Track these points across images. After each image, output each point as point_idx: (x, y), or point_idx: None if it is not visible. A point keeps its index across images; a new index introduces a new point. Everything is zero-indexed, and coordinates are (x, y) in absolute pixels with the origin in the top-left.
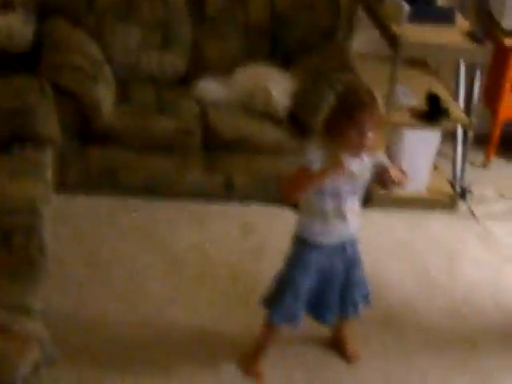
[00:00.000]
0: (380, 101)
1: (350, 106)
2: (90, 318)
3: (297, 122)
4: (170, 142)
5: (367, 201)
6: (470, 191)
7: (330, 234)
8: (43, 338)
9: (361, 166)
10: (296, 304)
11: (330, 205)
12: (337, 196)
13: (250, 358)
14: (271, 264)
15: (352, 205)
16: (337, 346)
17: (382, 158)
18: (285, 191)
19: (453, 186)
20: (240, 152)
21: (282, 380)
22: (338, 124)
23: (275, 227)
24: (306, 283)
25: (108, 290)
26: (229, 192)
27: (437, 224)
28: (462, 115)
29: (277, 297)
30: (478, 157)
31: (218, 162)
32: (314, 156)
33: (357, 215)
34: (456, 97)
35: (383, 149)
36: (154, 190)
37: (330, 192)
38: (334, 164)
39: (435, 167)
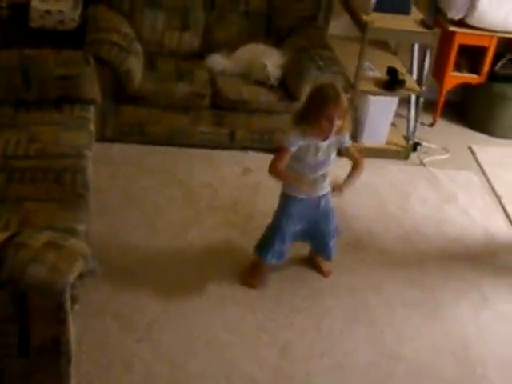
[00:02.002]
0: (343, 94)
1: (320, 101)
2: (123, 239)
3: (285, 88)
4: (186, 103)
5: (339, 151)
6: (420, 144)
7: (305, 192)
8: (87, 254)
9: (329, 145)
10: (282, 245)
11: (305, 172)
12: (311, 167)
13: (247, 272)
14: (264, 198)
15: (324, 172)
16: (314, 264)
17: (346, 139)
18: (270, 173)
19: (407, 140)
20: (241, 111)
21: (273, 289)
22: (311, 115)
23: (267, 169)
24: (290, 230)
25: (137, 217)
26: (232, 142)
27: (393, 170)
28: (415, 85)
29: (268, 240)
30: (426, 118)
31: (224, 119)
32: (293, 140)
33: (328, 180)
34: (410, 71)
35: (347, 130)
36: (173, 139)
37: (306, 164)
38: (299, 182)
39: (393, 125)
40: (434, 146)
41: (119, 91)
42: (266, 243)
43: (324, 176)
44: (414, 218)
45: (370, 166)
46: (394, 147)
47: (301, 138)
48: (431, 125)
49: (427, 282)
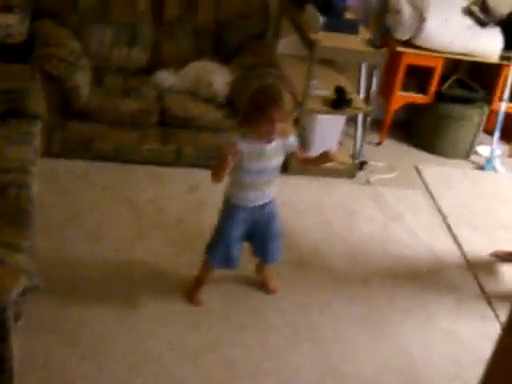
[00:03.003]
0: (287, 97)
1: (260, 102)
2: (68, 255)
3: (233, 105)
4: (133, 119)
5: (286, 169)
6: (366, 163)
7: (250, 200)
8: (30, 270)
9: (274, 148)
10: (228, 250)
11: (249, 180)
12: (255, 173)
13: (192, 289)
14: (210, 215)
15: (269, 179)
16: (261, 279)
17: (292, 140)
18: (212, 177)
19: (353, 158)
20: (188, 128)
21: (218, 306)
22: (252, 117)
23: (213, 187)
24: (235, 234)
25: (82, 233)
26: (178, 159)
27: (340, 188)
28: (363, 104)
29: (212, 245)
30: (373, 137)
31: (171, 136)
32: (239, 138)
33: (273, 186)
34: (358, 90)
35: (292, 133)
36: (120, 156)
37: (249, 170)
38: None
39: (340, 144)
40: (380, 164)
41: (66, 106)
42: (211, 248)
43: (269, 183)
44: (359, 236)
45: (316, 184)
46: (341, 166)
47: (242, 141)
48: (378, 144)
49: (373, 299)
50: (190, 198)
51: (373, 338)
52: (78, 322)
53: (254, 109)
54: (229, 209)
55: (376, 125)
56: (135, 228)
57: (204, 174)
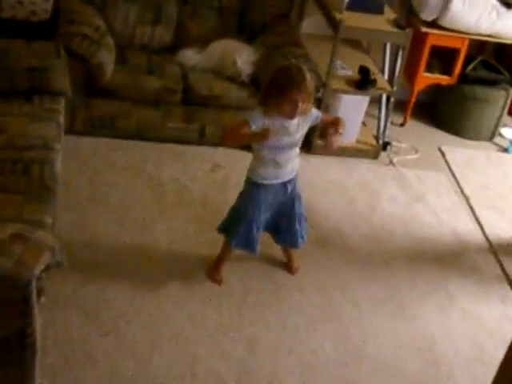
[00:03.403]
0: (310, 77)
1: (281, 83)
2: (90, 232)
3: (257, 84)
4: (157, 97)
5: (309, 148)
6: (390, 144)
7: (272, 177)
8: (54, 246)
9: (296, 124)
10: (249, 232)
11: (270, 156)
12: (277, 149)
13: (213, 267)
14: (233, 194)
15: (291, 155)
16: (286, 258)
17: (315, 113)
18: (223, 137)
19: (377, 139)
20: (211, 107)
21: (239, 284)
22: (273, 98)
23: (236, 165)
24: (257, 215)
25: (105, 211)
26: (202, 137)
27: (363, 168)
28: (387, 85)
29: (233, 226)
30: (397, 118)
31: (194, 114)
32: (256, 118)
33: (295, 162)
34: (382, 70)
35: (312, 108)
36: (143, 134)
37: (271, 145)
38: (261, 134)
39: (364, 124)
40: (403, 145)
41: (90, 84)
42: (231, 228)
43: (290, 159)
44: (382, 216)
45: (339, 164)
46: (364, 146)
47: (263, 117)
48: (402, 125)
49: (394, 280)
50: (213, 176)
51: (393, 320)
52: (100, 299)
53: (274, 90)
54: (250, 188)
55: (399, 106)
56: (158, 206)
57: (227, 153)
